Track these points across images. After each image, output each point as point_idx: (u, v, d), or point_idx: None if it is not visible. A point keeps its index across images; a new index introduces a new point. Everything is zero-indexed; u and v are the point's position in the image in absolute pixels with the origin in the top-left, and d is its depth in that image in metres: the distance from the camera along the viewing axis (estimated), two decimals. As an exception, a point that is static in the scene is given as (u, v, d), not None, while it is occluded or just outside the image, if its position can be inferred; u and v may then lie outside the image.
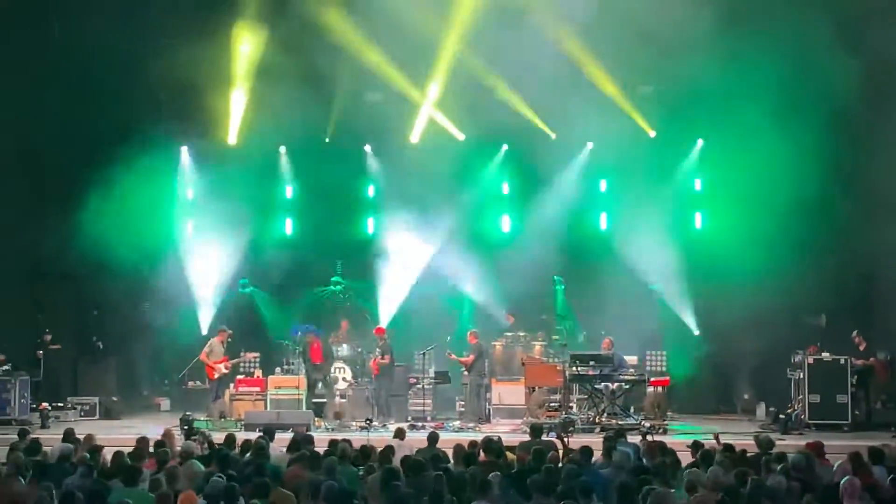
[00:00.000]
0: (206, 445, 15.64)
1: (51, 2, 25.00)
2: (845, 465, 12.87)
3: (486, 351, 23.94)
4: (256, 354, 25.13)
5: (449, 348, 24.00)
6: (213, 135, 25.67)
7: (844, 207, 23.53)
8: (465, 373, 23.67)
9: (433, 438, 16.09)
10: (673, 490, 12.00)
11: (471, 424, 22.44)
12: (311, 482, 12.04)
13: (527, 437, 16.74)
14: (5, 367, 23.31)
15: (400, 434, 16.95)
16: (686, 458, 14.62)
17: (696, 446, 14.75)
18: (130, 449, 14.67)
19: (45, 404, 23.08)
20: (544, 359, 24.08)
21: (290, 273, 26.03)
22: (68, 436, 15.81)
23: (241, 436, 16.90)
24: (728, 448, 14.43)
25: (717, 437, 16.12)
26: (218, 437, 16.59)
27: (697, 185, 25.97)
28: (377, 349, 23.80)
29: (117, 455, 14.10)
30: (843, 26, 22.63)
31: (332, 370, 24.16)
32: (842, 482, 11.70)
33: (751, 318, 23.67)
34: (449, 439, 17.78)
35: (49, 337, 24.64)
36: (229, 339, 23.78)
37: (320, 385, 23.73)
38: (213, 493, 11.68)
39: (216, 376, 23.27)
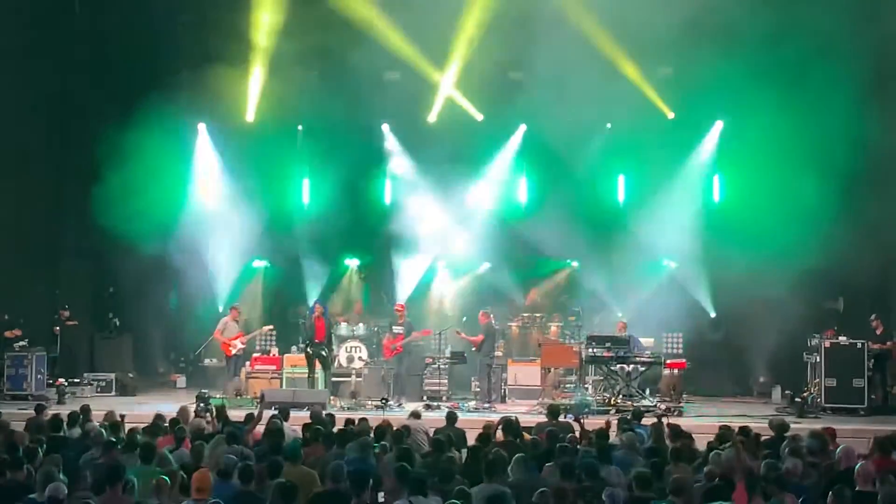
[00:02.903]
0: (215, 420, 15.75)
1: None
2: (847, 449, 12.80)
3: (497, 331, 23.84)
4: (271, 327, 25.02)
5: (462, 328, 23.97)
6: (231, 112, 25.64)
7: (865, 189, 23.36)
8: (474, 351, 23.50)
9: (451, 418, 16.09)
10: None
11: (486, 405, 22.42)
12: (326, 461, 12.07)
13: (542, 418, 16.76)
14: (22, 343, 23.36)
15: (416, 415, 16.98)
16: (699, 441, 14.64)
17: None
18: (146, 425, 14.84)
19: (61, 380, 23.11)
20: (560, 340, 24.08)
21: (306, 251, 26.01)
22: (84, 412, 15.90)
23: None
24: (744, 431, 14.43)
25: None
26: (236, 415, 16.65)
27: (716, 166, 25.83)
28: (396, 327, 23.78)
29: (132, 431, 14.23)
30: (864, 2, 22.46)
31: (347, 349, 24.13)
32: (856, 467, 11.64)
33: (768, 301, 23.59)
34: (464, 420, 17.81)
35: (66, 313, 24.68)
36: (243, 317, 23.86)
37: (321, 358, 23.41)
38: (226, 470, 11.69)
39: (233, 353, 23.31)
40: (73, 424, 15.37)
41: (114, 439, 13.49)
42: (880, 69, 23.06)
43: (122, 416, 15.92)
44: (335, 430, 14.88)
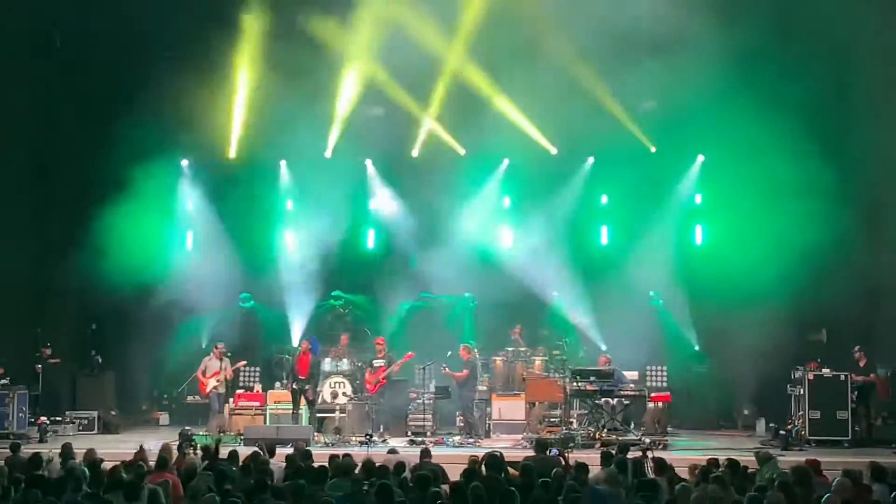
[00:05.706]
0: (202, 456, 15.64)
1: (51, 12, 25.04)
2: (843, 481, 12.77)
3: (478, 366, 23.83)
4: (244, 362, 24.89)
5: (446, 363, 23.95)
6: (213, 149, 25.65)
7: (846, 223, 23.39)
8: (457, 386, 23.53)
9: (425, 453, 15.96)
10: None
11: (471, 440, 22.37)
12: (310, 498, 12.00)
13: (528, 453, 16.68)
14: (4, 381, 23.22)
15: (393, 452, 16.95)
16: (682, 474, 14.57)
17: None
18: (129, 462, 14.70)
19: (43, 418, 23.02)
20: (545, 374, 24.03)
21: (290, 287, 25.94)
22: (65, 451, 15.74)
23: (240, 451, 16.80)
24: (731, 464, 14.39)
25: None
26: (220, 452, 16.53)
27: (698, 199, 25.88)
28: (376, 360, 23.76)
29: (115, 469, 14.07)
30: (846, 39, 22.57)
31: (331, 385, 24.06)
32: (823, 498, 11.63)
33: (751, 334, 23.56)
34: (449, 454, 17.72)
35: (48, 351, 24.56)
36: (226, 354, 23.83)
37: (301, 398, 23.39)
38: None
39: (208, 391, 23.31)
40: (57, 463, 15.21)
41: (91, 479, 13.35)
42: (866, 101, 23.14)
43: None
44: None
